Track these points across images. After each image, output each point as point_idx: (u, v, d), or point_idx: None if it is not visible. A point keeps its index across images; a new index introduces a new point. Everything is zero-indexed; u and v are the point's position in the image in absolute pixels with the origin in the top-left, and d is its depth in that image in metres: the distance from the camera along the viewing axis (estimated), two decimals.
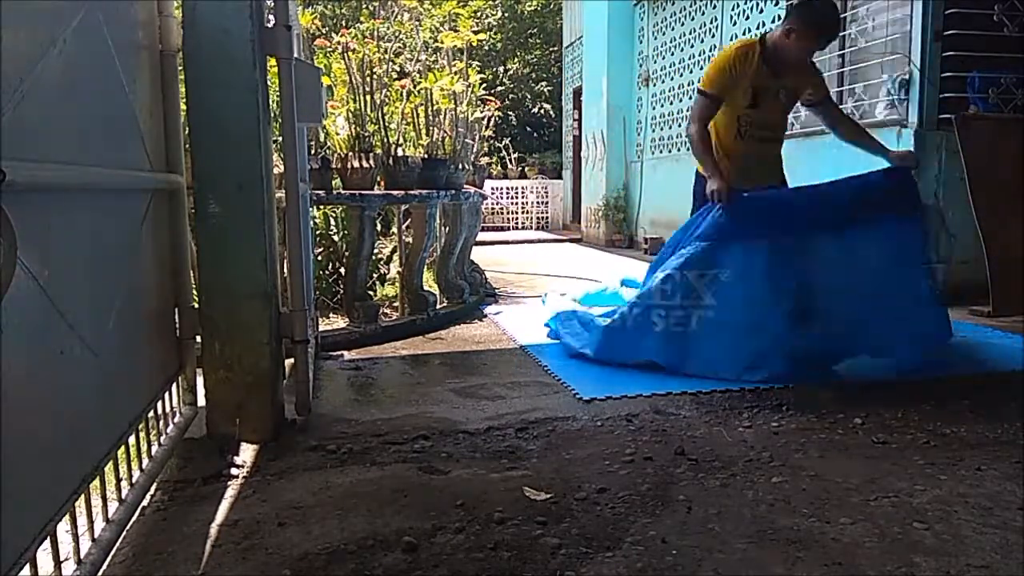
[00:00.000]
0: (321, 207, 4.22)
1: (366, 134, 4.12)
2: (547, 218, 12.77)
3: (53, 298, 1.26)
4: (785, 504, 1.73)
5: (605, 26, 9.33)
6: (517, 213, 12.63)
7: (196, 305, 2.20)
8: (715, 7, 7.02)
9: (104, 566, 1.42)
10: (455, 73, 4.69)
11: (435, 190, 4.12)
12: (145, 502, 1.73)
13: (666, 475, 1.91)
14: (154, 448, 1.87)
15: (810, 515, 1.67)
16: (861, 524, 1.62)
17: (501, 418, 2.42)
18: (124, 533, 1.55)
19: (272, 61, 2.27)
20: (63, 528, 1.30)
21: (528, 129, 16.32)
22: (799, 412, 2.43)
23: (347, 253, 4.00)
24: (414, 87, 4.49)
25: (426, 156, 4.28)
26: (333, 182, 3.80)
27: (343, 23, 12.38)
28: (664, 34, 8.30)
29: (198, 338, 2.22)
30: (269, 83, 2.28)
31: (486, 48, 15.48)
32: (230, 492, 1.84)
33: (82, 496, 1.39)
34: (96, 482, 1.48)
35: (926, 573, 1.41)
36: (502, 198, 12.44)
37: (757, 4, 6.25)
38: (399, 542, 1.54)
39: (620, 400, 2.59)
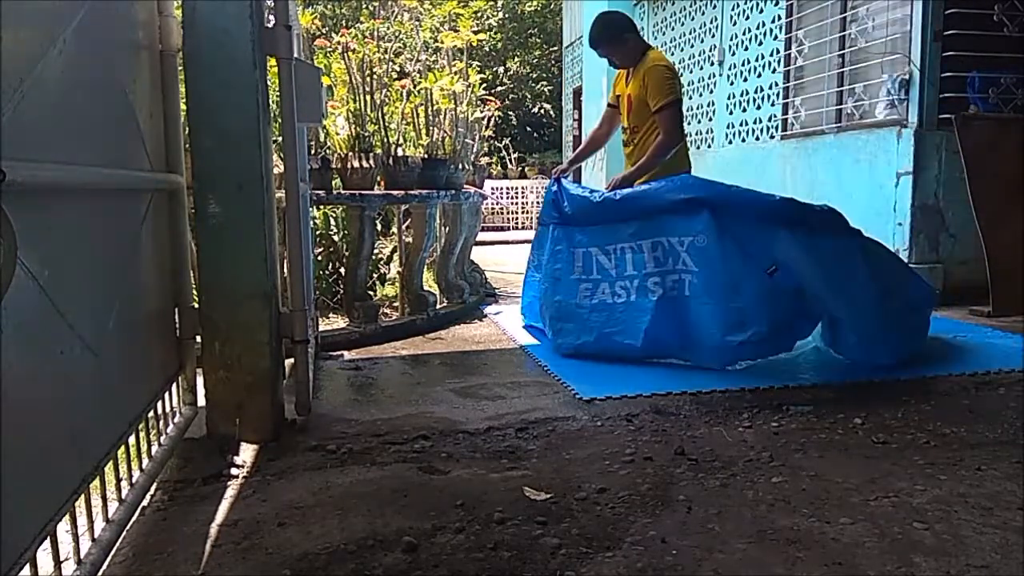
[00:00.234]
0: (321, 207, 4.23)
1: (366, 134, 4.12)
2: None
3: (53, 298, 1.26)
4: (785, 504, 1.73)
5: None
6: (517, 213, 12.63)
7: (196, 305, 2.20)
8: (715, 7, 7.01)
9: (104, 566, 1.42)
10: (455, 73, 4.70)
11: (435, 190, 4.12)
12: (145, 502, 1.73)
13: (666, 475, 1.91)
14: (154, 448, 1.87)
15: (810, 515, 1.67)
16: (861, 524, 1.62)
17: (501, 418, 2.42)
18: (124, 533, 1.55)
19: (272, 61, 2.27)
20: (63, 528, 1.30)
21: (528, 129, 16.34)
22: (799, 412, 2.43)
23: (347, 253, 4.00)
24: (414, 87, 4.49)
25: (426, 156, 4.28)
26: (333, 182, 3.80)
27: (343, 23, 12.40)
28: (664, 34, 8.29)
29: (198, 338, 2.22)
30: (269, 83, 2.28)
31: (486, 48, 15.50)
32: (230, 492, 1.84)
33: (82, 496, 1.39)
34: (96, 482, 1.48)
35: (926, 573, 1.41)
36: (502, 198, 12.43)
37: (757, 4, 6.24)
38: (399, 542, 1.54)
39: (620, 400, 2.59)
